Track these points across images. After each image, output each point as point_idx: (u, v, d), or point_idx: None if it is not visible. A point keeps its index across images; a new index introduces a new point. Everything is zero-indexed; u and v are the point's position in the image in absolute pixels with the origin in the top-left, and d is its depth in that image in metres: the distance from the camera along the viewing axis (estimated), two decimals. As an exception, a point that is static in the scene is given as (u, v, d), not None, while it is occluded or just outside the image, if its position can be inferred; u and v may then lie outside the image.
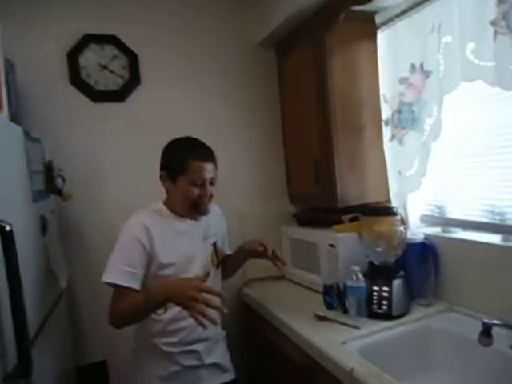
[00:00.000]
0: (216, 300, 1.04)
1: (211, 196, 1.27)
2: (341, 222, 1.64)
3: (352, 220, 1.63)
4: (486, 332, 1.03)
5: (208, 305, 1.01)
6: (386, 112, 1.55)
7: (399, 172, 1.52)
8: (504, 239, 1.28)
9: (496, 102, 1.26)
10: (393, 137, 1.53)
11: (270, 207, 1.98)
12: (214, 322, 1.03)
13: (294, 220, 1.92)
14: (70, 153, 1.70)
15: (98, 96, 1.74)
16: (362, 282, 1.33)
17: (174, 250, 1.24)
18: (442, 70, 1.29)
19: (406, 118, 1.46)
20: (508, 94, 1.18)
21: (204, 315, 0.99)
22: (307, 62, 1.69)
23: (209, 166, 1.24)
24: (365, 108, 1.64)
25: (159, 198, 1.32)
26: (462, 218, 1.45)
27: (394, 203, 1.55)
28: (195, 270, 1.26)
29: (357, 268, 1.35)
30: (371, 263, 1.46)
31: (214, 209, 1.38)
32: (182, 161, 1.22)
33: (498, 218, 1.30)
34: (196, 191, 1.23)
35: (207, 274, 1.14)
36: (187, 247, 1.28)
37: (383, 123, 1.57)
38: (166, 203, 1.30)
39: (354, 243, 1.52)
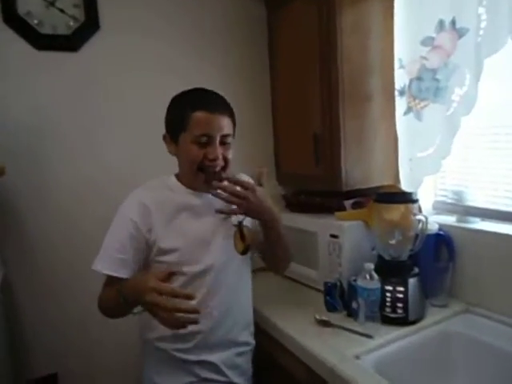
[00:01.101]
0: (184, 302, 0.81)
1: (226, 160, 1.02)
2: (342, 208, 1.40)
3: (355, 206, 1.41)
4: None
5: (175, 310, 0.80)
6: (401, 80, 1.30)
7: (414, 152, 1.30)
8: (537, 232, 1.11)
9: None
10: (409, 109, 1.29)
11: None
12: (194, 322, 0.83)
13: (282, 204, 1.66)
14: (2, 115, 1.32)
15: (42, 42, 1.34)
16: (376, 282, 1.11)
17: (180, 232, 1.01)
18: (483, 27, 1.06)
19: (428, 86, 1.23)
20: None
21: (174, 323, 0.82)
22: (309, 18, 1.39)
23: (217, 119, 0.99)
24: (376, 75, 1.39)
25: (119, 170, 1.12)
26: (482, 206, 1.26)
27: (405, 187, 1.34)
28: (208, 259, 1.02)
29: (371, 266, 1.12)
30: (381, 258, 1.24)
31: (242, 178, 1.06)
32: (182, 113, 0.99)
33: (531, 207, 1.12)
34: (199, 151, 0.99)
35: (170, 273, 0.86)
36: (199, 229, 1.03)
37: (397, 93, 1.33)
38: (177, 174, 1.10)
39: (360, 234, 1.30)
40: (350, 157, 1.34)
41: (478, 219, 1.30)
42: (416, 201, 1.21)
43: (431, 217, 1.37)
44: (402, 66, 1.31)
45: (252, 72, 1.72)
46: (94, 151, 1.46)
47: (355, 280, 1.17)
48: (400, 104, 1.32)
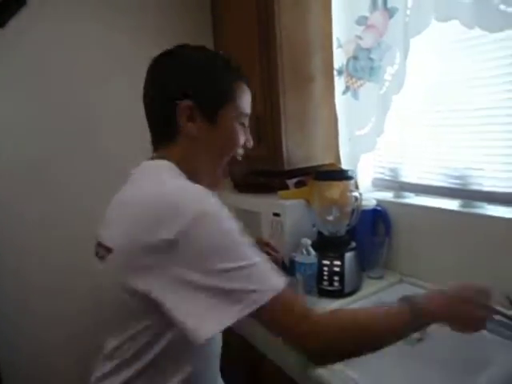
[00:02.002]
0: None
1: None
2: (285, 187, 1.43)
3: (298, 185, 1.44)
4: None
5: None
6: (339, 59, 1.33)
7: (352, 130, 1.34)
8: (463, 205, 1.18)
9: (469, 48, 1.09)
10: (347, 89, 1.32)
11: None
12: None
13: (231, 186, 1.67)
14: None
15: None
16: (313, 257, 1.15)
17: None
18: (410, 7, 1.09)
19: (363, 66, 1.26)
20: (485, 38, 1.03)
21: None
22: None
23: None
24: (316, 54, 1.40)
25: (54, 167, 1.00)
26: (416, 182, 1.32)
27: (345, 166, 1.38)
28: None
29: (308, 241, 1.15)
30: (320, 234, 1.28)
31: None
32: (226, 81, 0.74)
33: (457, 181, 1.18)
34: (242, 135, 0.77)
35: None
36: None
37: (336, 72, 1.35)
38: (181, 166, 0.72)
39: (301, 211, 1.33)
40: (291, 137, 1.36)
41: (412, 194, 1.36)
42: (351, 178, 1.25)
43: (370, 193, 1.42)
44: (340, 46, 1.33)
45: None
46: (23, 129, 1.39)
47: (295, 256, 1.20)
48: (339, 83, 1.35)
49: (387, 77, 1.19)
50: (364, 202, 1.33)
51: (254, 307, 0.57)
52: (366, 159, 1.44)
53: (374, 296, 1.22)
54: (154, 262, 0.59)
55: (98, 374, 0.72)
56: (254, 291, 0.58)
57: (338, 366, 0.87)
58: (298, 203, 1.34)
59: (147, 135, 0.78)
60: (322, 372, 0.88)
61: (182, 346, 0.64)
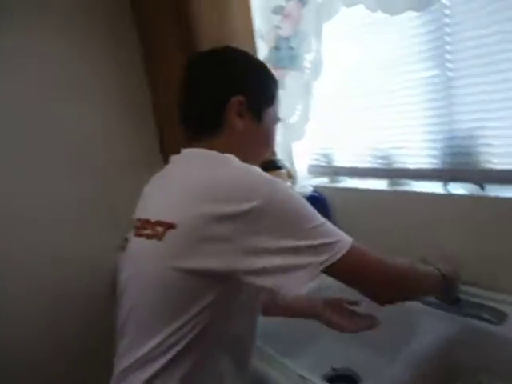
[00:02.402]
0: None
1: None
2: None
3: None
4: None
5: None
6: (262, 50, 1.33)
7: (282, 120, 1.34)
8: (390, 184, 1.22)
9: (380, 31, 1.12)
10: (272, 79, 1.33)
11: (144, 177, 1.61)
12: None
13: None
14: None
15: None
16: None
17: None
18: (320, -5, 1.10)
19: (285, 55, 1.27)
20: (394, 20, 1.05)
21: None
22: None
23: None
24: (240, 47, 1.39)
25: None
26: (348, 166, 1.35)
27: (279, 155, 1.39)
28: None
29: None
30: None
31: None
32: (271, 84, 0.80)
33: (383, 162, 1.22)
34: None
35: None
36: None
37: (261, 64, 1.35)
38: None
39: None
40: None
41: (346, 178, 1.39)
42: (280, 168, 1.26)
43: (307, 180, 1.44)
44: (261, 36, 1.33)
45: (123, 52, 1.61)
46: None
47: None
48: (264, 74, 1.35)
49: (306, 64, 1.21)
50: (301, 190, 1.35)
51: (339, 255, 0.62)
52: (302, 147, 1.46)
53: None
54: (232, 232, 0.60)
55: (145, 377, 0.65)
56: (336, 242, 0.63)
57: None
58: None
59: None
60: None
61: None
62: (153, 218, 0.68)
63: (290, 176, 1.34)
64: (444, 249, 0.93)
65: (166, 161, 0.78)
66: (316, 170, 1.45)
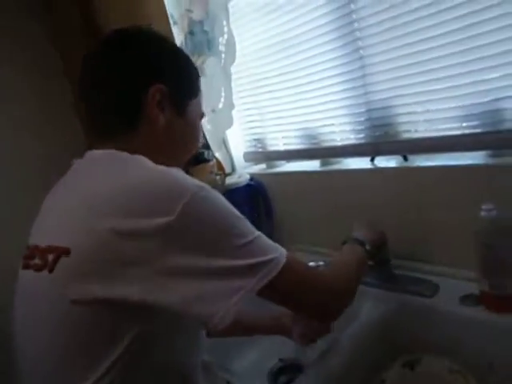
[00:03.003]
0: None
1: None
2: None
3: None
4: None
5: None
6: (178, 37, 1.25)
7: (208, 108, 1.28)
8: (322, 164, 1.18)
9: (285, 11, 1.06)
10: (192, 67, 1.26)
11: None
12: None
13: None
14: None
15: None
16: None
17: None
18: (221, -29, 1.03)
19: (201, 40, 1.20)
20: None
21: None
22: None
23: None
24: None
25: None
26: (282, 149, 1.30)
27: (212, 145, 1.33)
28: None
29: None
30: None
31: None
32: (193, 73, 0.68)
33: (313, 142, 1.18)
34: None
35: None
36: None
37: (179, 52, 1.28)
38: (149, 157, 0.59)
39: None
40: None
41: (283, 162, 1.34)
42: (206, 160, 1.21)
43: (245, 169, 1.39)
44: (175, 22, 1.25)
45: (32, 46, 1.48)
46: None
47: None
48: (184, 63, 1.28)
49: (221, 48, 1.14)
50: (239, 179, 1.30)
51: (275, 273, 0.54)
52: (237, 134, 1.40)
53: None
54: (141, 252, 0.48)
55: None
56: (270, 260, 0.54)
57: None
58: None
59: None
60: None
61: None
62: (42, 244, 0.55)
63: (221, 168, 1.29)
64: (368, 218, 0.93)
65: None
66: (252, 157, 1.40)
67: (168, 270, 0.49)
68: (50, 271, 0.51)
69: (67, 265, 0.50)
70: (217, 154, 1.34)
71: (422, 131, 0.91)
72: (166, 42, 0.68)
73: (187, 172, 0.56)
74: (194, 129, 0.69)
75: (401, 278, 0.95)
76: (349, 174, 1.09)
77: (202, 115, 0.72)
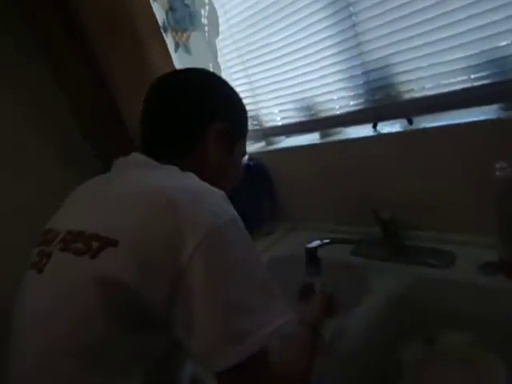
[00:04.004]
0: None
1: None
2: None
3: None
4: (312, 258, 0.85)
5: None
6: (159, 14, 1.18)
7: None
8: (322, 135, 1.11)
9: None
10: (177, 45, 1.19)
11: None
12: None
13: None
14: None
15: None
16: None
17: None
18: None
19: (182, 15, 1.13)
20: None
21: None
22: None
23: None
24: (136, 16, 1.24)
25: None
26: (280, 124, 1.23)
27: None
28: None
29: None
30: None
31: None
32: (246, 116, 0.73)
33: (311, 113, 1.10)
34: None
35: None
36: None
37: (162, 30, 1.20)
38: None
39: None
40: (133, 111, 1.21)
41: (283, 137, 1.28)
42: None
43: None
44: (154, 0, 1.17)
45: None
46: None
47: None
48: (169, 41, 1.21)
49: (204, 20, 1.07)
50: (237, 160, 1.24)
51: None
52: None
53: (265, 254, 1.15)
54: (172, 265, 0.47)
55: None
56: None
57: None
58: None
59: None
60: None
61: None
62: (86, 230, 0.53)
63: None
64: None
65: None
66: (250, 135, 1.33)
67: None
68: (92, 257, 0.50)
69: (112, 255, 0.49)
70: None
71: (426, 89, 0.83)
72: (226, 84, 0.71)
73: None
74: (237, 168, 0.73)
75: (413, 249, 0.89)
76: (351, 143, 1.02)
77: (244, 154, 0.75)
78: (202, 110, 0.65)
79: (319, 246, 0.89)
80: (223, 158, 0.66)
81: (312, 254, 0.87)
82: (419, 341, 0.78)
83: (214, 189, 0.55)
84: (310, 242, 0.90)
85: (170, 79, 0.68)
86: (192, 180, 0.56)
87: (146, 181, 0.56)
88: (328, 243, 0.91)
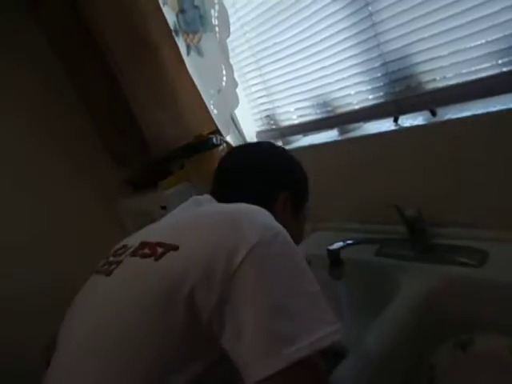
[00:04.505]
0: None
1: None
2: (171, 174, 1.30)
3: (183, 167, 1.31)
4: (335, 260, 0.82)
5: None
6: (170, 17, 1.17)
7: (212, 90, 1.20)
8: (340, 132, 1.07)
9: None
10: (188, 48, 1.17)
11: (88, 185, 1.49)
12: None
13: (130, 188, 1.54)
14: None
15: None
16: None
17: None
18: None
19: (193, 17, 1.11)
20: None
21: None
22: None
23: None
24: (147, 20, 1.23)
25: None
26: (297, 122, 1.20)
27: (221, 128, 1.25)
28: None
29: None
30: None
31: None
32: (307, 186, 0.82)
33: (328, 109, 1.07)
34: None
35: None
36: None
37: (174, 34, 1.19)
38: None
39: (186, 195, 1.20)
40: (151, 117, 1.21)
41: (300, 136, 1.25)
42: (216, 145, 1.13)
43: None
44: (165, 3, 1.16)
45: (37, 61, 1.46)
46: None
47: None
48: (181, 44, 1.20)
49: (215, 21, 1.05)
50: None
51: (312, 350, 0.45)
52: (246, 114, 1.32)
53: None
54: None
55: None
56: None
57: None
58: (183, 187, 1.22)
59: None
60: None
61: None
62: (153, 240, 0.58)
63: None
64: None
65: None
66: (266, 136, 1.31)
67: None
68: (156, 259, 0.54)
69: (174, 257, 0.53)
70: (228, 138, 1.27)
71: (450, 78, 0.79)
72: (293, 156, 0.81)
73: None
74: (301, 230, 0.81)
75: (441, 247, 0.84)
76: (371, 139, 0.97)
77: (307, 218, 0.82)
78: (272, 179, 0.73)
79: (342, 247, 0.85)
80: (289, 221, 0.72)
81: (335, 256, 0.84)
82: (452, 345, 0.73)
83: (264, 209, 0.59)
84: (332, 244, 0.87)
85: (241, 154, 0.78)
86: (248, 204, 0.60)
87: (216, 208, 0.65)
88: (351, 244, 0.87)
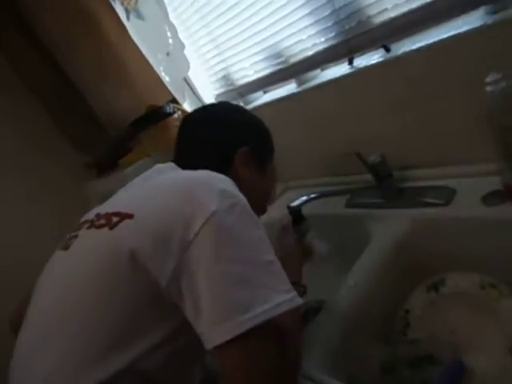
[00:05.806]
0: None
1: None
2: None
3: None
4: (296, 218, 0.79)
5: None
6: (102, -20, 1.07)
7: (160, 54, 1.12)
8: (298, 84, 1.01)
9: None
10: (127, 12, 1.08)
11: (53, 172, 1.44)
12: None
13: (95, 172, 1.47)
14: None
15: None
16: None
17: None
18: None
19: (124, -24, 1.01)
20: None
21: None
22: None
23: None
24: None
25: None
26: (254, 79, 1.13)
27: (175, 95, 1.17)
28: None
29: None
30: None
31: None
32: (270, 138, 0.79)
33: (282, 59, 1.00)
34: None
35: None
36: None
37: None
38: None
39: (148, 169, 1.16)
40: (99, 93, 1.13)
41: (260, 93, 1.18)
42: (169, 114, 1.06)
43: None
44: (93, -36, 1.06)
45: None
46: None
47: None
48: (119, 10, 1.10)
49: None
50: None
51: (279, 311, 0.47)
52: (202, 77, 1.24)
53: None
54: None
55: None
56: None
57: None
58: (144, 163, 1.16)
59: None
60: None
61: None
62: (110, 211, 0.57)
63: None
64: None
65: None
66: (225, 98, 1.24)
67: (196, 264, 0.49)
68: (111, 228, 0.54)
69: (128, 224, 0.52)
70: (185, 105, 1.20)
71: (400, 5, 0.72)
72: (246, 110, 0.79)
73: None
74: (270, 187, 0.78)
75: (408, 190, 0.81)
76: (328, 85, 0.92)
77: (276, 177, 0.80)
78: (227, 139, 0.70)
79: (304, 202, 0.81)
80: (256, 177, 0.72)
81: (295, 212, 0.80)
82: (425, 288, 0.72)
83: (224, 176, 0.57)
84: (293, 201, 0.83)
85: (193, 119, 0.75)
86: (208, 171, 0.58)
87: (175, 176, 0.63)
88: (315, 198, 0.84)
